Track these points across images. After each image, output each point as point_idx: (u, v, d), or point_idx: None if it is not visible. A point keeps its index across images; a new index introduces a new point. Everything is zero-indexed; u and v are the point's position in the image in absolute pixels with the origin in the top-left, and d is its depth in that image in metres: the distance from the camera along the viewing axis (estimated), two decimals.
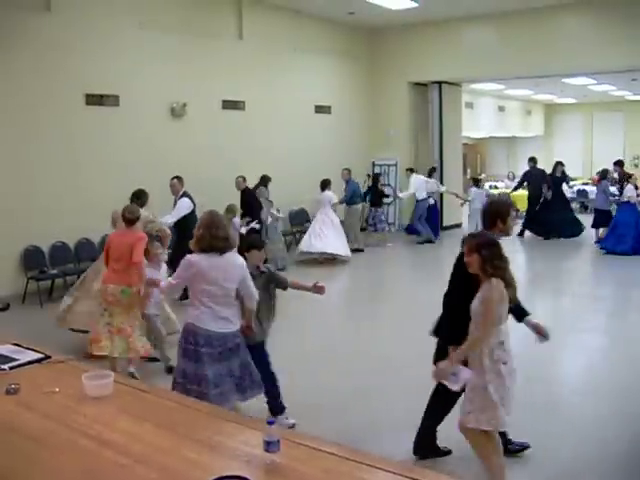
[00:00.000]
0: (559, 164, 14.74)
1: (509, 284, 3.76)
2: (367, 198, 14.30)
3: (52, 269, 9.57)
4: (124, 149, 10.58)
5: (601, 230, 13.72)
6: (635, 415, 5.19)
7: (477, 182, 15.18)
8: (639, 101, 26.26)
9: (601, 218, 13.67)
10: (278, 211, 11.69)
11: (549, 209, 14.34)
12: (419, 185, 14.18)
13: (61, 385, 3.22)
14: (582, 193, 20.58)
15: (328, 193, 12.55)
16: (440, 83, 15.97)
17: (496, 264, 3.71)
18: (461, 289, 3.94)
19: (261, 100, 13.08)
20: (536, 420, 4.99)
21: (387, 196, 14.48)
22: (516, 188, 15.91)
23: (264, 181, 11.67)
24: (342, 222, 12.83)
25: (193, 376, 4.20)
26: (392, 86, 15.93)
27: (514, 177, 22.40)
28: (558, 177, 14.69)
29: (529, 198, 15.05)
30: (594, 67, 14.15)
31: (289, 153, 13.52)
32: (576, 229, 14.42)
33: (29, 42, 9.39)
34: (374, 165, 16.17)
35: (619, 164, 14.40)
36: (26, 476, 2.45)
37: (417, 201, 14.33)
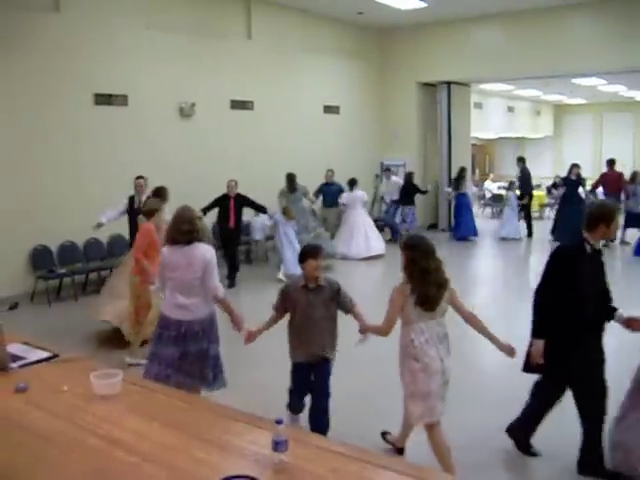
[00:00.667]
0: (575, 166, 14.21)
1: (433, 285, 3.93)
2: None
3: (60, 268, 9.60)
4: (133, 149, 10.61)
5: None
6: None
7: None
8: None
9: (633, 221, 13.56)
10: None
11: (564, 213, 13.91)
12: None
13: (70, 384, 3.22)
14: (592, 194, 20.45)
15: (359, 192, 12.69)
16: (449, 83, 15.94)
17: (414, 267, 3.94)
18: (551, 286, 4.07)
19: (270, 100, 13.08)
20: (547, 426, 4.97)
21: (424, 192, 14.48)
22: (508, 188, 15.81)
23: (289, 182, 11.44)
24: (325, 221, 12.87)
25: (154, 356, 4.59)
26: (401, 86, 15.92)
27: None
28: (573, 180, 14.12)
29: (520, 198, 15.11)
30: (604, 67, 14.08)
31: (297, 153, 13.51)
32: None
33: (38, 42, 9.43)
34: (382, 165, 16.16)
35: (611, 163, 14.49)
36: (35, 474, 2.45)
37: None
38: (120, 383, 3.12)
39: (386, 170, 14.82)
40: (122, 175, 10.35)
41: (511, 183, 15.56)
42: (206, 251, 4.58)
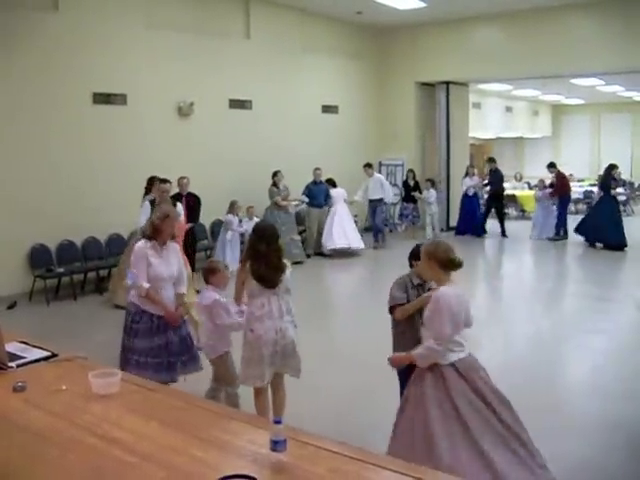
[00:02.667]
0: (613, 167, 13.80)
1: (267, 266, 4.53)
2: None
3: (59, 268, 9.59)
4: (131, 148, 10.60)
5: None
6: None
7: (433, 183, 15.20)
8: None
9: None
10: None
11: (597, 214, 13.61)
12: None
13: (68, 383, 3.22)
14: (589, 194, 20.50)
15: (340, 190, 12.99)
16: (447, 83, 15.94)
17: (252, 250, 4.60)
18: None
19: (268, 99, 13.08)
20: (539, 421, 4.98)
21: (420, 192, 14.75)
22: (485, 185, 15.92)
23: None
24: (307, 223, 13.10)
25: (129, 349, 4.94)
26: (399, 86, 15.93)
27: (521, 178, 22.38)
28: (610, 180, 13.62)
29: (492, 197, 15.25)
30: (602, 68, 14.08)
31: (296, 152, 13.51)
32: (621, 240, 13.07)
33: (37, 41, 9.42)
34: (381, 165, 16.17)
35: (552, 166, 15.01)
36: (33, 474, 2.45)
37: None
38: (119, 382, 3.13)
39: (366, 166, 13.77)
40: (120, 174, 10.37)
41: (541, 182, 15.64)
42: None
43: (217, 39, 12.05)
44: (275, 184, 11.92)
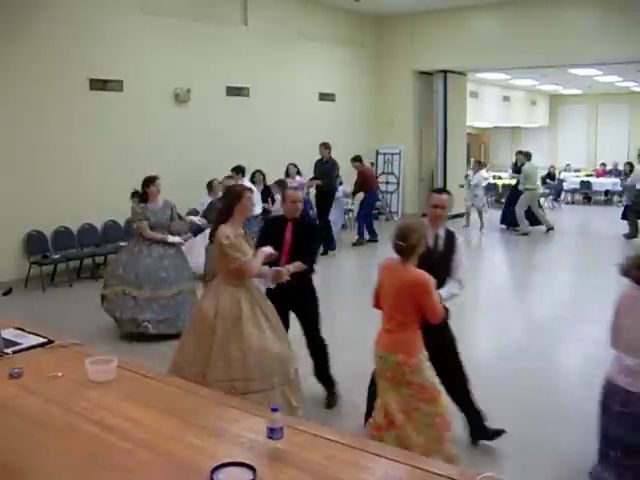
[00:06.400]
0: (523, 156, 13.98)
1: None
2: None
3: (55, 254, 9.58)
4: (128, 134, 10.56)
5: None
6: None
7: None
8: None
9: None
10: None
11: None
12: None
13: (64, 369, 3.22)
14: (586, 184, 20.54)
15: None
16: (445, 72, 15.89)
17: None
18: None
19: (265, 87, 13.03)
20: (537, 414, 5.00)
21: None
22: None
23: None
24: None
25: None
26: (397, 74, 15.87)
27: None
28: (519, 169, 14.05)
29: None
30: (600, 58, 14.06)
31: (292, 140, 13.46)
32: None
33: (32, 27, 9.35)
34: (377, 153, 16.14)
35: (357, 160, 12.91)
36: (29, 460, 2.45)
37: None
38: (115, 369, 3.13)
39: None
40: (116, 161, 10.34)
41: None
42: None
43: (214, 26, 11.98)
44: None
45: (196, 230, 8.64)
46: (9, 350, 3.47)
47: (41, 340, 3.66)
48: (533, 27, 13.77)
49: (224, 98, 12.31)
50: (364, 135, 15.81)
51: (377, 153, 16.11)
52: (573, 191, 20.84)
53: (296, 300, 5.05)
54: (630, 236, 13.12)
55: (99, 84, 10.21)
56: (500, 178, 21.19)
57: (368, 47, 15.88)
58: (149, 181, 7.11)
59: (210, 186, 10.00)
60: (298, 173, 11.92)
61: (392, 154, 16.07)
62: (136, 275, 6.93)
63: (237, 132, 12.37)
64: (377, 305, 4.05)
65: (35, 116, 9.45)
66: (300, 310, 5.14)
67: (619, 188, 19.26)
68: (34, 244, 9.50)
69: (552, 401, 5.34)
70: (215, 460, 2.30)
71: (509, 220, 14.35)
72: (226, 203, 4.56)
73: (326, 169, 11.90)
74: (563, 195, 20.80)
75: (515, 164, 15.26)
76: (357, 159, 12.85)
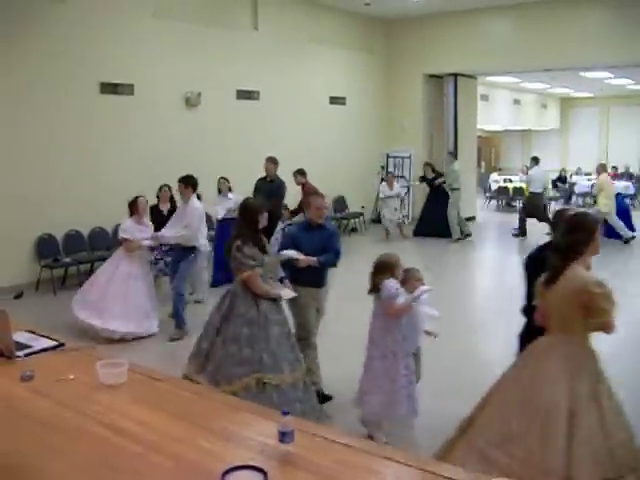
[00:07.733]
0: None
1: None
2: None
3: (66, 257, 9.63)
4: (138, 138, 10.60)
5: None
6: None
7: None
8: None
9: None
10: None
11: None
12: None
13: (75, 373, 3.22)
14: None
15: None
16: (456, 75, 15.87)
17: None
18: None
19: (276, 90, 13.05)
20: None
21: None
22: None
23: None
24: None
25: None
26: (407, 78, 15.86)
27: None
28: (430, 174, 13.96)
29: None
30: (612, 60, 14.00)
31: (303, 144, 13.48)
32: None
33: (44, 31, 9.42)
34: (388, 157, 16.12)
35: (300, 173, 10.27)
36: (40, 463, 2.45)
37: None
38: (126, 372, 3.12)
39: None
40: (127, 164, 10.38)
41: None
42: None
43: (225, 30, 12.01)
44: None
45: None
46: (21, 353, 3.47)
47: (52, 343, 3.66)
48: (543, 30, 13.73)
49: (234, 102, 12.33)
50: (374, 138, 15.80)
51: (387, 157, 16.09)
52: (584, 195, 20.70)
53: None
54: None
55: (110, 88, 10.25)
56: (511, 181, 21.08)
57: (378, 51, 15.88)
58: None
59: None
60: (229, 189, 9.74)
61: (402, 158, 16.04)
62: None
63: (247, 136, 12.38)
64: None
65: (46, 119, 9.50)
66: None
67: (631, 191, 19.11)
68: (45, 247, 9.54)
69: None
70: (226, 463, 2.29)
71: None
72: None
73: (271, 189, 9.65)
74: (574, 199, 20.67)
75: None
76: (300, 172, 10.27)
